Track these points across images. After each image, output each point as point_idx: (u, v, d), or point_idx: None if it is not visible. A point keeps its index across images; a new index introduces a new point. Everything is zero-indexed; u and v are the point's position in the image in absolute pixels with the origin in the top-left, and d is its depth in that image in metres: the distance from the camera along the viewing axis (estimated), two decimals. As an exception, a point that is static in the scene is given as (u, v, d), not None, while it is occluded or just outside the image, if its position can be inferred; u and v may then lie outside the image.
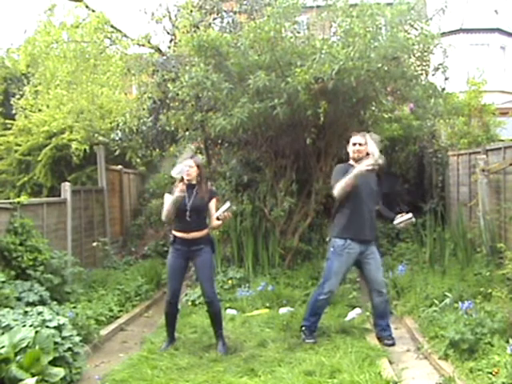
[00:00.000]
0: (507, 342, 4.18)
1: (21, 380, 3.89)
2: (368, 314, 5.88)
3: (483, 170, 6.97)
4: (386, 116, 8.26)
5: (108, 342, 5.78)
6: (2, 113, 11.52)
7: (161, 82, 8.63)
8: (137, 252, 9.97)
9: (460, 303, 5.03)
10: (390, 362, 4.69)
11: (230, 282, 7.36)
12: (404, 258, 7.99)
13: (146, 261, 9.10)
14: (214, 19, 9.46)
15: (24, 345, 4.12)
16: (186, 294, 7.13)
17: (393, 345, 5.19)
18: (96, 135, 9.52)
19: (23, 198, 6.61)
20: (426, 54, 7.27)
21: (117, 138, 9.68)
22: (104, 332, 5.83)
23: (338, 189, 5.03)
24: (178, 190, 4.90)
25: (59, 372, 4.15)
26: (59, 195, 8.08)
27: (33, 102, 9.23)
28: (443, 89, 7.60)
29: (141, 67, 9.02)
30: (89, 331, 5.38)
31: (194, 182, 5.12)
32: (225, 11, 9.39)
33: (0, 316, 4.53)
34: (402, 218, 5.30)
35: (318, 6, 8.38)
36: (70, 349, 4.46)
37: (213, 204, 5.17)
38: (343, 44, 6.59)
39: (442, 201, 9.36)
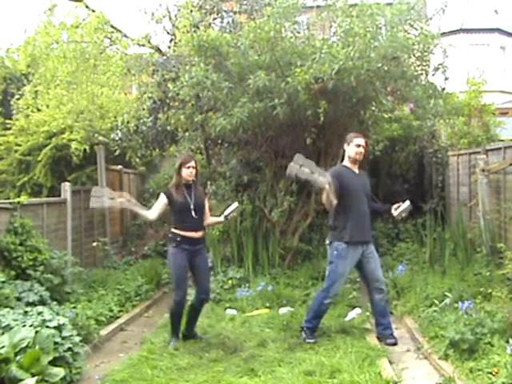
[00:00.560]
0: (507, 341, 4.18)
1: (21, 380, 3.89)
2: (368, 314, 5.88)
3: (483, 170, 6.96)
4: (386, 116, 8.26)
5: (108, 342, 5.78)
6: (1, 113, 11.51)
7: (161, 82, 8.63)
8: (137, 252, 9.96)
9: (460, 303, 5.03)
10: (390, 362, 4.69)
11: (229, 281, 7.36)
12: (404, 258, 7.99)
13: (146, 261, 9.09)
14: (214, 19, 9.46)
15: (24, 345, 4.12)
16: (185, 294, 7.12)
17: (395, 344, 5.20)
18: (96, 135, 9.52)
19: (23, 198, 6.61)
20: (425, 53, 7.27)
21: (117, 138, 9.68)
22: (104, 332, 5.83)
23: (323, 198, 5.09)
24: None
25: (59, 372, 4.15)
26: (59, 195, 8.08)
27: (32, 102, 9.23)
28: (443, 89, 7.60)
29: (141, 67, 9.02)
30: (89, 331, 5.38)
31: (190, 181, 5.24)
32: (225, 11, 9.39)
33: (0, 316, 4.53)
34: (401, 209, 5.32)
35: (318, 6, 8.39)
36: (69, 349, 4.46)
37: (207, 202, 5.42)
38: (343, 44, 6.59)
39: (442, 201, 9.36)
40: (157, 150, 9.73)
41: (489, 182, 7.00)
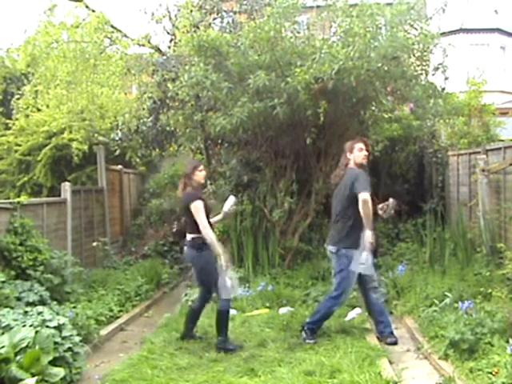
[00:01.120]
0: (507, 341, 4.18)
1: (21, 380, 3.89)
2: (368, 314, 5.88)
3: (483, 170, 6.96)
4: (386, 116, 8.26)
5: (108, 342, 5.78)
6: (2, 113, 11.52)
7: (161, 82, 8.63)
8: (137, 252, 9.96)
9: (460, 303, 5.03)
10: (390, 362, 4.69)
11: (230, 281, 7.35)
12: (404, 258, 7.98)
13: (146, 261, 9.09)
14: (214, 19, 9.46)
15: (24, 345, 4.12)
16: (185, 294, 7.13)
17: (395, 343, 5.20)
18: (96, 135, 9.52)
19: (23, 198, 6.61)
20: (425, 53, 7.27)
21: (117, 138, 9.69)
22: (104, 332, 5.83)
23: (363, 209, 4.95)
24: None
25: (59, 372, 4.15)
26: (59, 195, 8.08)
27: (32, 101, 9.23)
28: (443, 89, 7.60)
29: (141, 67, 9.02)
30: (89, 331, 5.38)
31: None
32: (225, 11, 9.39)
33: (0, 316, 4.53)
34: (388, 208, 5.34)
35: (318, 6, 8.39)
36: (70, 349, 4.46)
37: None
38: (343, 44, 6.59)
39: (441, 201, 9.35)
40: (157, 150, 9.73)
41: (489, 182, 7.00)
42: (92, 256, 8.90)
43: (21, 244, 6.07)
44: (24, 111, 9.60)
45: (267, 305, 6.64)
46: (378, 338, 5.32)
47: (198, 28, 8.73)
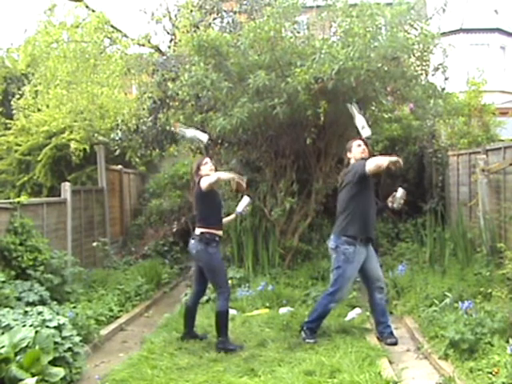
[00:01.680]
0: (507, 341, 4.18)
1: (21, 380, 3.89)
2: (368, 314, 5.88)
3: (483, 170, 6.97)
4: (386, 116, 8.26)
5: (108, 342, 5.78)
6: (2, 112, 11.52)
7: (161, 82, 8.64)
8: (137, 252, 9.96)
9: (460, 303, 5.03)
10: (390, 362, 4.69)
11: (230, 281, 7.34)
12: (404, 258, 7.99)
13: (146, 261, 9.09)
14: (214, 19, 9.47)
15: (24, 345, 4.12)
16: (185, 294, 7.13)
17: (395, 343, 5.21)
18: (96, 135, 9.53)
19: (23, 198, 6.61)
20: (425, 53, 7.27)
21: (117, 138, 9.68)
22: (104, 332, 5.83)
23: (372, 163, 4.92)
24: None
25: (59, 372, 4.15)
26: (59, 195, 8.08)
27: (32, 101, 9.23)
28: (443, 89, 7.60)
29: (141, 67, 9.03)
30: (89, 331, 5.39)
31: None
32: (225, 11, 9.40)
33: (0, 316, 4.53)
34: (397, 198, 5.35)
35: (318, 6, 8.39)
36: (70, 349, 4.46)
37: None
38: (343, 44, 6.59)
39: (441, 201, 9.35)
40: (157, 150, 9.73)
41: (489, 181, 7.00)
42: (92, 256, 8.90)
43: (21, 244, 6.07)
44: (24, 111, 9.61)
45: (267, 305, 6.64)
46: (378, 338, 5.32)
47: (198, 28, 8.73)
